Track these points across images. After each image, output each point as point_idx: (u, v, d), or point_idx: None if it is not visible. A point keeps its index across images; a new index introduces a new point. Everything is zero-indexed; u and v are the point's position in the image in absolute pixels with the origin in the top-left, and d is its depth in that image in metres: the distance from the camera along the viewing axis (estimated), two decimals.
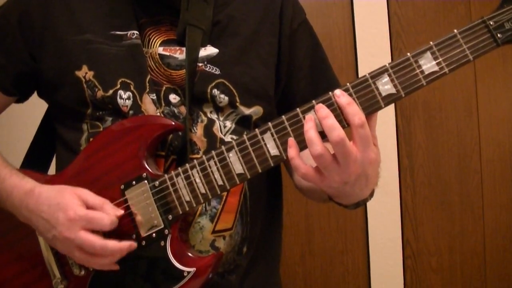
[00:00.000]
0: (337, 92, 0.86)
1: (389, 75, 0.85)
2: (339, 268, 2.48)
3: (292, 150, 0.87)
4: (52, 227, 0.98)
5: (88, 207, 0.98)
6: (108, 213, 0.97)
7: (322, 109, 0.85)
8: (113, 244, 0.96)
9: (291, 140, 0.88)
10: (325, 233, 2.48)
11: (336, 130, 0.82)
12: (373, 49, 2.37)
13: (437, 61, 0.84)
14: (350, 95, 0.87)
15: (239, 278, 1.13)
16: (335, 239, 2.48)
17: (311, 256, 2.48)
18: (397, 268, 2.44)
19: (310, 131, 0.84)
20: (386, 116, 2.39)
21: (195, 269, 0.97)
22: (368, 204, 2.41)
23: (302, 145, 0.88)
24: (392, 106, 2.39)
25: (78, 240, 0.96)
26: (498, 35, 0.83)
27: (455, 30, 0.85)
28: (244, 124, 1.11)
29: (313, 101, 0.88)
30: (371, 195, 0.98)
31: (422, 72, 0.85)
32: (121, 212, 0.99)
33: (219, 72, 1.09)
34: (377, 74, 0.87)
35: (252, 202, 1.13)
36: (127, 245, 0.97)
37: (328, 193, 0.96)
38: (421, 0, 2.39)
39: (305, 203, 2.46)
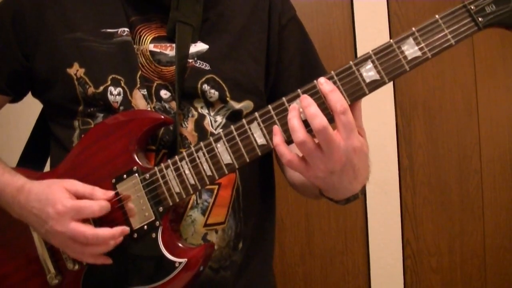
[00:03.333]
0: (321, 80, 0.87)
1: (373, 62, 0.86)
2: (339, 268, 2.48)
3: (277, 138, 0.88)
4: (44, 222, 0.99)
5: (79, 196, 0.99)
6: (98, 198, 0.98)
7: (305, 99, 0.86)
8: (104, 231, 0.97)
9: (276, 128, 0.88)
10: (325, 233, 2.48)
11: (318, 118, 0.83)
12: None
13: (420, 46, 0.85)
14: (335, 82, 0.87)
15: (233, 274, 1.13)
16: (335, 239, 2.48)
17: (311, 256, 2.48)
18: (397, 268, 2.43)
19: (293, 120, 0.85)
20: (386, 116, 2.40)
21: (186, 259, 0.97)
22: (368, 204, 2.44)
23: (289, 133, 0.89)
24: (392, 106, 2.39)
25: (69, 232, 0.96)
26: (479, 19, 0.84)
27: (437, 16, 0.85)
28: (235, 119, 1.11)
29: (298, 90, 0.89)
30: (362, 191, 0.97)
31: (405, 57, 0.86)
32: (111, 193, 1.00)
33: (209, 68, 1.10)
34: (360, 61, 0.87)
35: (244, 198, 1.14)
36: (119, 230, 0.98)
37: (317, 185, 0.96)
38: (421, 0, 2.40)
39: (305, 203, 2.46)
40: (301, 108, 0.86)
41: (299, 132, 0.84)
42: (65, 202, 0.97)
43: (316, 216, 2.48)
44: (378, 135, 2.38)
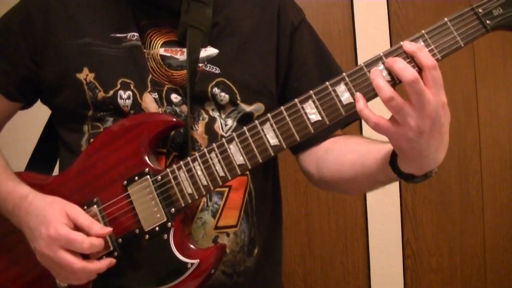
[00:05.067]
0: (405, 42, 0.87)
1: (383, 63, 0.87)
2: (339, 268, 2.48)
3: (360, 103, 0.86)
4: (34, 239, 0.99)
5: (76, 225, 0.98)
6: (93, 234, 0.97)
7: (390, 58, 0.85)
8: (92, 265, 0.97)
9: (358, 94, 0.87)
10: (325, 233, 2.48)
11: (408, 69, 0.82)
12: (373, 49, 2.34)
13: (429, 48, 0.86)
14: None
15: (247, 280, 1.13)
16: (335, 239, 2.48)
17: (311, 256, 2.48)
18: (397, 268, 2.43)
19: (378, 79, 0.84)
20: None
21: (198, 260, 0.97)
22: (368, 204, 2.43)
23: (304, 132, 0.91)
24: None
25: (57, 259, 0.96)
26: (487, 21, 0.87)
27: (446, 19, 0.87)
28: (246, 122, 1.10)
29: (381, 53, 0.88)
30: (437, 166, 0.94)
31: None
32: (109, 229, 0.99)
33: (219, 71, 1.10)
34: (371, 63, 0.88)
35: (257, 202, 1.14)
36: (106, 263, 0.98)
37: (403, 151, 0.89)
38: (421, 0, 2.40)
39: (305, 203, 2.46)
40: (388, 66, 0.85)
41: (385, 88, 0.83)
42: (58, 228, 0.96)
43: (316, 216, 2.47)
44: (378, 135, 2.37)
